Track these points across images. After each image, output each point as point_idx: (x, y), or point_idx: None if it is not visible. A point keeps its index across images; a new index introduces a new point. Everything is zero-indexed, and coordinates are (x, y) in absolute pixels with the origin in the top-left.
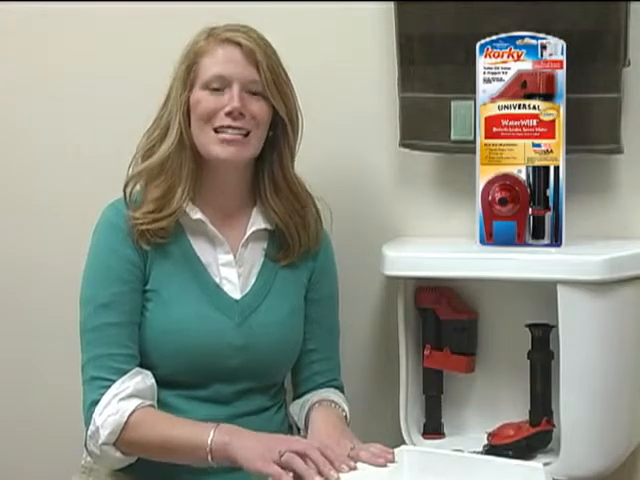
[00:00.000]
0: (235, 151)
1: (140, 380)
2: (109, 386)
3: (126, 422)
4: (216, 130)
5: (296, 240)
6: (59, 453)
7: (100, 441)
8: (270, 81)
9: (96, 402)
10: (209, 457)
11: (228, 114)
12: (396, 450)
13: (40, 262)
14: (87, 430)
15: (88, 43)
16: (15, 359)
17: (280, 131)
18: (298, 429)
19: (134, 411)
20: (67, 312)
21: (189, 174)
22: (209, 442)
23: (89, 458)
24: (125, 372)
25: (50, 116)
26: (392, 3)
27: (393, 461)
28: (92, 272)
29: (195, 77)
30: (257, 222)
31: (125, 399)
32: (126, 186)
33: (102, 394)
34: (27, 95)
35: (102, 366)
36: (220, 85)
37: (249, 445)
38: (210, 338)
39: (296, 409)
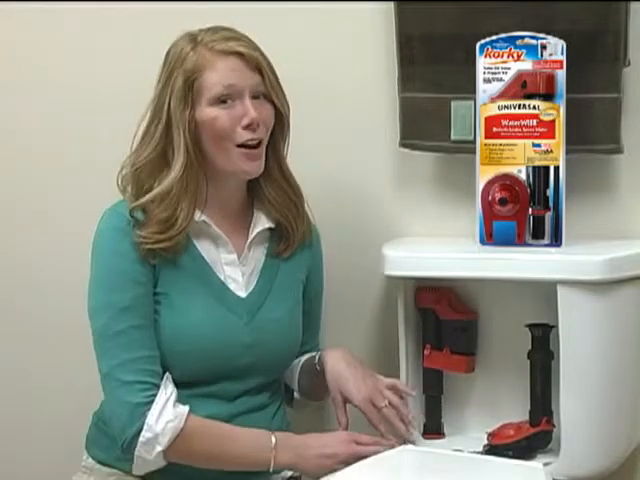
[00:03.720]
0: (255, 165)
1: (173, 383)
2: (151, 389)
3: (182, 429)
4: (238, 146)
5: (295, 230)
6: (60, 453)
7: (160, 448)
8: (274, 82)
9: (143, 404)
10: (270, 469)
11: (247, 126)
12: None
13: (39, 266)
14: (132, 435)
15: (88, 43)
16: (16, 360)
17: (277, 126)
18: (291, 395)
19: (188, 417)
20: (68, 315)
21: (195, 192)
22: (271, 464)
23: (90, 459)
24: (157, 374)
25: (49, 118)
26: (392, 3)
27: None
28: (105, 278)
29: (198, 93)
30: (260, 222)
31: (176, 404)
32: (131, 212)
33: (148, 396)
34: (27, 97)
35: (136, 370)
36: (229, 97)
37: (315, 463)
38: (221, 337)
39: (287, 373)
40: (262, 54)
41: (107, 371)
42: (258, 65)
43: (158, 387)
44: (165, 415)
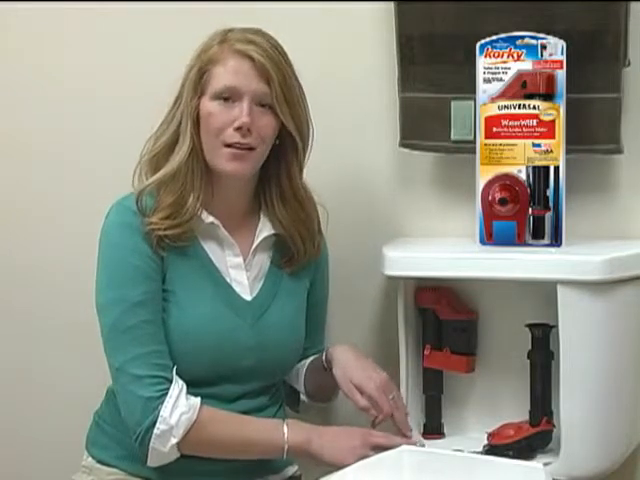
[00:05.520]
0: (239, 166)
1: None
2: (163, 382)
3: (195, 420)
4: (226, 145)
5: (301, 248)
6: (60, 453)
7: (175, 440)
8: (281, 97)
9: (155, 398)
10: (284, 456)
11: (237, 129)
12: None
13: (39, 266)
14: (146, 428)
15: (88, 43)
16: (16, 359)
17: (288, 142)
18: (298, 398)
19: (200, 408)
20: (68, 315)
21: (201, 180)
22: (285, 446)
23: (90, 458)
24: (168, 367)
25: (50, 116)
26: (392, 3)
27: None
28: (116, 273)
29: (206, 84)
30: (266, 228)
31: (188, 396)
32: (139, 198)
33: (160, 390)
34: (27, 96)
35: (148, 364)
36: (230, 95)
37: (330, 445)
38: (226, 339)
39: (292, 376)
40: (278, 65)
41: (119, 366)
42: (266, 75)
43: (169, 380)
44: (179, 407)
